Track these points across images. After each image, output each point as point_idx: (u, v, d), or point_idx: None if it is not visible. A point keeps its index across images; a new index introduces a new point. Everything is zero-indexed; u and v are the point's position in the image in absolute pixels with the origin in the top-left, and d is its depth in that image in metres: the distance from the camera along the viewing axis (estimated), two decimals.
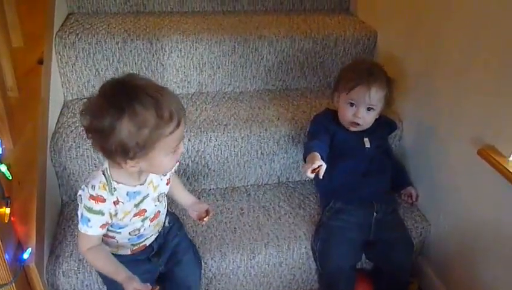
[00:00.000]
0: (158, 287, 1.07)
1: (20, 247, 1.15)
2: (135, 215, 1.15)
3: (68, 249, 1.37)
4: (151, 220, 1.22)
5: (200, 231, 1.48)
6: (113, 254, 1.18)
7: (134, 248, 1.24)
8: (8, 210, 1.08)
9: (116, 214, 1.11)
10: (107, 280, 1.25)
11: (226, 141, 1.57)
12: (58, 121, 1.58)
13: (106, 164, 1.09)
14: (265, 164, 1.66)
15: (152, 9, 1.95)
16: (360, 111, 1.42)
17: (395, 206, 1.56)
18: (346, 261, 1.42)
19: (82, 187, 1.09)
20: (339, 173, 1.45)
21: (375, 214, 1.45)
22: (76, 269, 1.33)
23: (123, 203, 1.11)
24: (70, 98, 1.72)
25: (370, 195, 1.47)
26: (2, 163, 1.08)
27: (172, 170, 1.21)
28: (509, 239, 1.23)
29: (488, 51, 1.25)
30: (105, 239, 1.19)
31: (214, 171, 1.63)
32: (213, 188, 1.67)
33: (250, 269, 1.45)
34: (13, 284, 1.08)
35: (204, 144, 1.56)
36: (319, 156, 1.31)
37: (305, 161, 1.41)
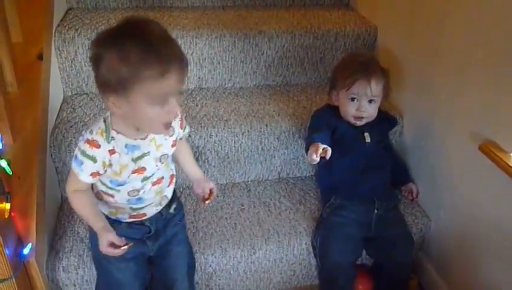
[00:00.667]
0: (131, 244, 1.10)
1: (21, 242, 1.15)
2: (134, 172, 1.12)
3: (68, 245, 1.37)
4: (153, 184, 1.18)
5: (200, 226, 1.48)
6: (110, 218, 1.18)
7: (133, 213, 1.21)
8: (8, 205, 1.08)
9: (110, 165, 1.09)
10: (96, 260, 1.28)
11: (226, 136, 1.57)
12: (57, 116, 1.58)
13: (108, 112, 1.08)
14: (266, 160, 1.65)
15: (151, 4, 1.94)
16: (363, 104, 1.42)
17: (396, 202, 1.56)
18: (345, 257, 1.42)
19: (83, 132, 1.10)
20: (340, 168, 1.45)
21: (376, 211, 1.45)
22: (76, 264, 1.32)
23: (119, 155, 1.08)
24: (70, 94, 1.71)
25: (370, 191, 1.46)
26: (2, 158, 1.07)
27: (179, 134, 1.19)
28: (510, 234, 1.23)
29: (488, 45, 1.24)
30: (104, 198, 1.18)
31: (214, 166, 1.62)
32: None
33: (251, 264, 1.45)
34: (13, 280, 1.08)
35: (204, 139, 1.55)
36: (321, 144, 1.31)
37: (307, 153, 1.41)
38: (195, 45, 1.71)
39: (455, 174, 1.43)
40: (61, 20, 1.72)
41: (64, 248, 1.36)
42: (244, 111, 1.67)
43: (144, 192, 1.17)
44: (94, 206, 1.16)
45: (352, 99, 1.43)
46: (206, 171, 1.62)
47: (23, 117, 1.31)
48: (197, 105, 1.69)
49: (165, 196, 1.26)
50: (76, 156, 1.07)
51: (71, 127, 1.51)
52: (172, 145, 1.19)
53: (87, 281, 1.35)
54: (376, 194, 1.46)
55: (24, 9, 1.48)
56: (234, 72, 1.82)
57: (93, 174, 1.08)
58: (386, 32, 1.82)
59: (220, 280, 1.46)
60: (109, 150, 1.07)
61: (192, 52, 1.72)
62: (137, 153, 1.10)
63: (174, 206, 1.30)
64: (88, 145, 1.05)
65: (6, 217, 1.07)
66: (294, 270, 1.51)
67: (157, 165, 1.16)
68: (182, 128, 1.21)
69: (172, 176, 1.26)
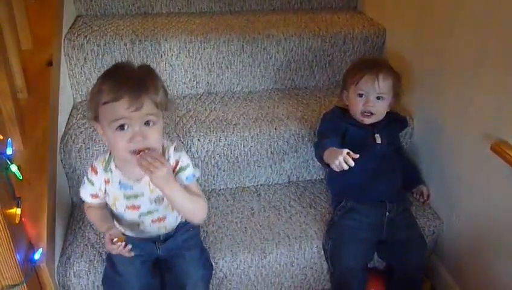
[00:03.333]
0: (124, 237, 1.16)
1: (31, 247, 1.15)
2: (128, 208, 1.20)
3: (79, 250, 1.37)
4: (153, 221, 1.23)
5: (210, 230, 1.47)
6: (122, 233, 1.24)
7: (138, 234, 1.27)
8: (19, 211, 1.08)
9: (105, 192, 1.20)
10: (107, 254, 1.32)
11: (235, 140, 1.56)
12: (67, 122, 1.59)
13: None
14: (276, 163, 1.65)
15: (160, 11, 1.95)
16: (371, 100, 1.42)
17: (408, 205, 1.54)
18: (357, 261, 1.40)
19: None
20: (351, 170, 1.43)
21: (387, 213, 1.43)
22: (87, 269, 1.32)
23: (112, 187, 1.18)
24: (80, 100, 1.72)
25: (382, 194, 1.45)
26: (12, 163, 1.08)
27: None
28: None
29: (499, 45, 1.23)
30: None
31: (224, 171, 1.62)
32: (223, 188, 1.66)
33: (262, 268, 1.44)
34: (24, 285, 1.08)
35: (214, 143, 1.55)
36: (336, 148, 1.31)
37: (319, 160, 1.43)
38: (204, 49, 1.72)
39: (467, 175, 1.41)
40: (71, 27, 1.73)
41: (75, 253, 1.36)
42: (253, 115, 1.66)
43: (144, 226, 1.24)
44: (103, 215, 1.25)
45: (360, 95, 1.43)
46: (215, 176, 1.62)
47: (33, 123, 1.32)
48: (206, 109, 1.69)
49: (175, 225, 1.30)
50: (83, 178, 1.22)
51: (81, 133, 1.52)
52: None
53: (98, 286, 1.35)
54: (387, 197, 1.45)
55: (34, 16, 1.50)
56: (243, 76, 1.82)
57: (92, 196, 1.22)
58: (394, 34, 1.81)
59: (230, 284, 1.45)
60: (105, 179, 1.19)
61: (201, 57, 1.73)
62: (129, 193, 1.18)
63: (189, 225, 1.32)
64: (90, 170, 1.19)
65: (17, 222, 1.08)
66: (306, 274, 1.50)
67: (153, 206, 1.21)
68: (176, 172, 1.16)
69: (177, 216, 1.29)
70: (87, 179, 1.20)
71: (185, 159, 1.17)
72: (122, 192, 1.18)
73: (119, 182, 1.17)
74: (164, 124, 1.14)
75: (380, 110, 1.44)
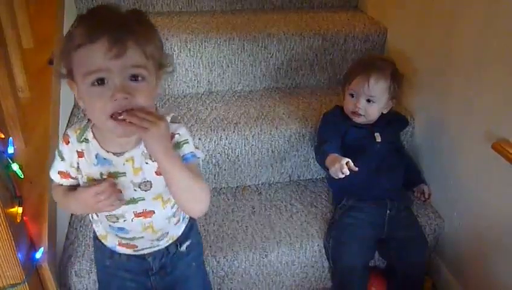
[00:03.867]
0: (112, 180, 0.92)
1: (33, 246, 1.15)
2: None
3: (80, 249, 1.37)
4: (136, 215, 0.98)
5: (211, 229, 1.47)
6: (101, 243, 1.08)
7: (122, 242, 1.05)
8: (20, 209, 1.08)
9: (78, 169, 0.96)
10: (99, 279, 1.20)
11: (236, 139, 1.56)
12: (69, 121, 1.59)
13: None
14: (276, 162, 1.65)
15: (161, 10, 1.95)
16: (360, 101, 1.43)
17: (409, 203, 1.54)
18: (359, 259, 1.40)
19: None
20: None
21: (388, 211, 1.44)
22: (88, 268, 1.32)
23: (87, 163, 0.94)
24: None
25: (382, 192, 1.45)
26: (14, 162, 1.08)
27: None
28: None
29: (500, 44, 1.23)
30: (92, 220, 1.07)
31: (224, 170, 1.62)
32: (224, 187, 1.66)
33: (263, 267, 1.44)
34: (26, 284, 1.08)
35: (214, 142, 1.55)
36: (338, 155, 1.32)
37: (320, 164, 1.45)
38: (205, 48, 1.72)
39: (468, 174, 1.41)
40: (71, 26, 1.73)
41: (76, 252, 1.36)
42: (254, 114, 1.66)
43: (124, 221, 1.00)
44: (70, 193, 0.98)
45: (352, 95, 1.45)
46: (216, 175, 1.62)
47: (34, 122, 1.33)
48: (206, 108, 1.69)
49: (166, 233, 1.06)
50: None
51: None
52: (157, 173, 0.94)
53: None
54: (388, 195, 1.45)
55: (35, 15, 1.50)
56: (243, 75, 1.82)
57: (61, 174, 0.98)
58: (395, 33, 1.81)
59: (231, 283, 1.45)
60: (77, 151, 0.95)
61: (202, 56, 1.73)
62: (107, 168, 0.93)
63: (186, 244, 1.11)
64: (62, 140, 0.97)
65: (19, 221, 1.08)
66: (307, 272, 1.50)
67: (135, 190, 0.95)
68: (174, 148, 0.91)
69: (178, 218, 1.07)
70: (58, 151, 0.97)
71: (183, 133, 0.93)
72: (98, 169, 0.93)
73: (96, 156, 0.93)
74: (160, 87, 0.93)
75: (369, 112, 1.44)
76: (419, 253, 1.45)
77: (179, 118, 1.02)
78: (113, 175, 0.93)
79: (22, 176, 1.11)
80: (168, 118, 0.92)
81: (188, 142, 0.93)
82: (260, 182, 1.69)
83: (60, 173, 0.98)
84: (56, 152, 0.98)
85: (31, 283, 1.11)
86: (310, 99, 1.78)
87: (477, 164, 1.37)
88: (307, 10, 2.03)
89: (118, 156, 0.92)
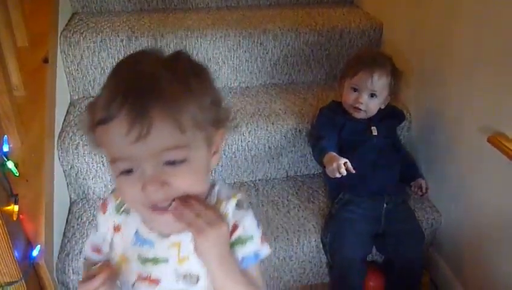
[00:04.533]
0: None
1: (30, 244, 1.16)
2: (141, 278, 0.76)
3: (77, 247, 1.37)
4: None
5: None
6: None
7: None
8: (16, 208, 1.08)
9: (111, 246, 0.79)
10: None
11: (233, 135, 1.56)
12: (64, 119, 1.59)
13: None
14: (273, 158, 1.65)
15: (156, 7, 1.95)
16: (363, 96, 1.44)
17: (405, 197, 1.54)
18: (356, 253, 1.40)
19: None
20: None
21: (385, 205, 1.44)
22: None
23: (122, 239, 0.77)
24: (77, 97, 1.72)
25: (379, 186, 1.45)
26: (9, 160, 1.08)
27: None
28: None
29: (497, 37, 1.23)
30: None
31: (221, 166, 1.62)
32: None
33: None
34: (23, 281, 1.08)
35: None
36: (337, 155, 1.33)
37: (317, 161, 1.47)
38: (200, 45, 1.71)
39: (465, 168, 1.42)
40: (67, 24, 1.73)
41: (73, 250, 1.36)
42: (251, 110, 1.66)
43: None
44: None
45: (354, 90, 1.45)
46: (213, 171, 1.62)
47: (30, 120, 1.32)
48: None
49: None
50: None
51: (78, 130, 1.51)
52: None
53: None
54: (385, 189, 1.45)
55: (29, 13, 1.49)
56: (239, 72, 1.81)
57: (92, 246, 0.83)
58: (391, 28, 1.81)
59: None
60: (114, 225, 0.78)
61: (197, 53, 1.72)
62: (146, 252, 0.75)
63: None
64: (99, 208, 0.80)
65: (15, 219, 1.08)
66: (305, 268, 1.50)
67: (178, 282, 0.74)
68: (234, 245, 0.72)
69: None
70: (96, 222, 0.81)
71: (248, 225, 0.73)
72: (136, 250, 0.75)
73: (136, 232, 0.75)
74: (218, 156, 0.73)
75: (370, 107, 1.46)
76: (417, 247, 1.45)
77: (247, 201, 0.77)
78: (152, 261, 0.75)
79: (18, 174, 1.11)
80: (233, 202, 0.74)
81: (252, 239, 0.73)
82: (257, 178, 1.69)
83: (91, 245, 0.83)
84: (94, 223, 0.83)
85: (28, 280, 1.11)
86: (306, 95, 1.78)
87: (473, 157, 1.37)
88: (303, 6, 2.02)
89: (162, 238, 0.74)
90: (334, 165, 1.29)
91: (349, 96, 1.46)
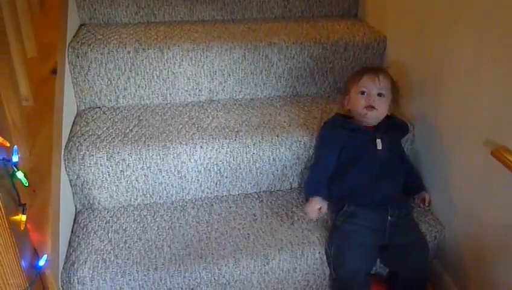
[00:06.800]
0: None
1: (36, 254, 1.16)
2: None
3: (83, 257, 1.38)
4: None
5: (213, 237, 1.48)
6: None
7: None
8: (24, 217, 1.09)
9: None
10: None
11: (237, 147, 1.57)
12: (71, 130, 1.60)
13: None
14: (278, 170, 1.66)
15: (162, 19, 1.97)
16: (372, 94, 1.48)
17: (409, 209, 1.55)
18: (360, 266, 1.41)
19: None
20: (352, 175, 1.46)
21: (389, 217, 1.44)
22: (91, 276, 1.33)
23: None
24: (83, 108, 1.74)
25: (383, 199, 1.46)
26: (19, 170, 1.09)
27: None
28: None
29: (498, 54, 1.24)
30: None
31: (226, 177, 1.63)
32: (225, 195, 1.67)
33: (264, 275, 1.45)
34: None
35: (216, 150, 1.56)
36: (319, 199, 1.46)
37: (304, 187, 1.60)
38: (206, 57, 1.73)
39: (468, 181, 1.42)
40: (74, 36, 1.75)
41: (78, 260, 1.37)
42: (255, 122, 1.68)
43: None
44: None
45: (363, 93, 1.48)
46: (218, 183, 1.63)
47: (38, 131, 1.33)
48: (208, 117, 1.70)
49: None
50: None
51: (85, 140, 1.53)
52: None
53: None
54: (389, 201, 1.46)
55: (38, 25, 1.51)
56: (245, 84, 1.83)
57: None
58: (395, 42, 1.82)
59: None
60: None
61: (203, 65, 1.74)
62: None
63: None
64: None
65: (22, 229, 1.08)
66: (308, 280, 1.50)
67: None
68: None
69: None
70: None
71: None
72: None
73: None
74: None
75: (381, 106, 1.48)
76: (421, 259, 1.45)
77: None
78: None
79: (27, 184, 1.12)
80: None
81: None
82: (261, 190, 1.70)
83: None
84: None
85: None
86: (310, 107, 1.80)
87: (476, 171, 1.38)
88: (307, 19, 2.04)
89: None
90: (309, 209, 1.46)
91: (358, 101, 1.49)
